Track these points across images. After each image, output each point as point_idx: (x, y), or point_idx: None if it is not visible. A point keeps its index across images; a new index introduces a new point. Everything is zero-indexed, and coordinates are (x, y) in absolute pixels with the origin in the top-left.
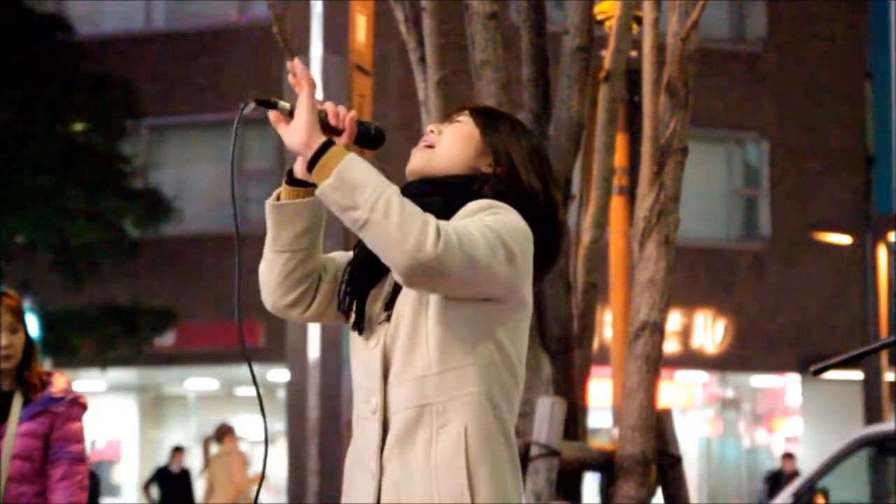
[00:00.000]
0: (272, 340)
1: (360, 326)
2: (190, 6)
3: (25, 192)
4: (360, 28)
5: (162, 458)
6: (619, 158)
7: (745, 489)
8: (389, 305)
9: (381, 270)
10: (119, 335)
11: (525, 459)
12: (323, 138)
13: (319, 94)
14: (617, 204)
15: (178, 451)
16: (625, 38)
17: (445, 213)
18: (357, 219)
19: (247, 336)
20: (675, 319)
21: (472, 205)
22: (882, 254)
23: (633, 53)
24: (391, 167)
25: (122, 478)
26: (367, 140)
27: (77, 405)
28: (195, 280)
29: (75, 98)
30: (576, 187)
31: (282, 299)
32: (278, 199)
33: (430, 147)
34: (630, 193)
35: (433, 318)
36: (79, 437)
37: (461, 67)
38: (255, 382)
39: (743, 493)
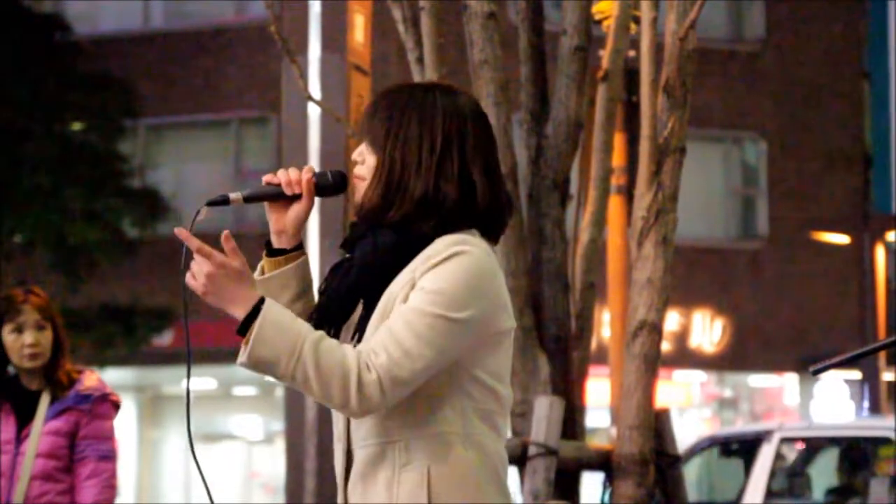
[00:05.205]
0: None
1: None
2: (188, 6)
3: (23, 191)
4: (359, 28)
5: (161, 459)
6: (617, 158)
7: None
8: (359, 333)
9: (349, 305)
10: (117, 335)
11: (523, 459)
12: (248, 301)
13: (317, 95)
14: (615, 203)
15: None
16: (623, 38)
17: (398, 256)
18: (284, 380)
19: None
20: (673, 319)
21: (431, 250)
22: (880, 253)
23: (632, 53)
24: None
25: (121, 478)
26: (329, 190)
27: (106, 402)
28: None
29: (73, 98)
30: (574, 187)
31: None
32: (262, 273)
33: (361, 180)
34: (628, 193)
35: None
36: (106, 435)
37: (459, 67)
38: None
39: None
